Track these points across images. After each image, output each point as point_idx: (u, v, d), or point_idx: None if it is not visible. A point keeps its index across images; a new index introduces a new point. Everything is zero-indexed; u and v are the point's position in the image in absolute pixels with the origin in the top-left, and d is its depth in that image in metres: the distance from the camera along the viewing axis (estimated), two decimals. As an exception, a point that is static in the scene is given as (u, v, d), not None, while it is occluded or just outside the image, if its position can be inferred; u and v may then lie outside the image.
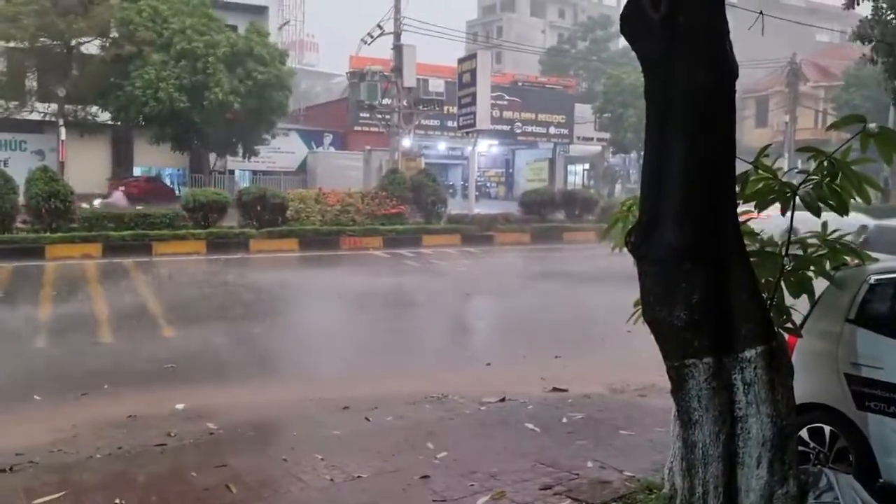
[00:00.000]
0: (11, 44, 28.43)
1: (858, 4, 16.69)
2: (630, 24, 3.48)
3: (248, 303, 13.03)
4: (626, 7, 3.46)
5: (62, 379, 8.19)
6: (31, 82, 31.13)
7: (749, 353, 3.50)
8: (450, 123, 38.32)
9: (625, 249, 3.77)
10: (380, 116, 31.29)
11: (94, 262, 17.40)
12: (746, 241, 3.78)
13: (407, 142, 30.49)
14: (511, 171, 52.93)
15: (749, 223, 4.02)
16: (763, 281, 3.89)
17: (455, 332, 11.77)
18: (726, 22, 3.44)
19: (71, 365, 8.87)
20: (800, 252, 4.12)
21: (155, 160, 37.48)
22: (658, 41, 3.37)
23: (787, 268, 4.04)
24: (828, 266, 4.21)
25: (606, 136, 45.70)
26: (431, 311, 13.48)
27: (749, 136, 46.70)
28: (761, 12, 4.93)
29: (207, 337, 10.43)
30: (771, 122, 50.15)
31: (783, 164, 34.01)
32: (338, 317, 12.52)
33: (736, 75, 3.45)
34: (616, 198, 36.96)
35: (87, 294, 13.46)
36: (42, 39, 28.42)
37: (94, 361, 9.00)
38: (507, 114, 44.95)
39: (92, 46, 29.76)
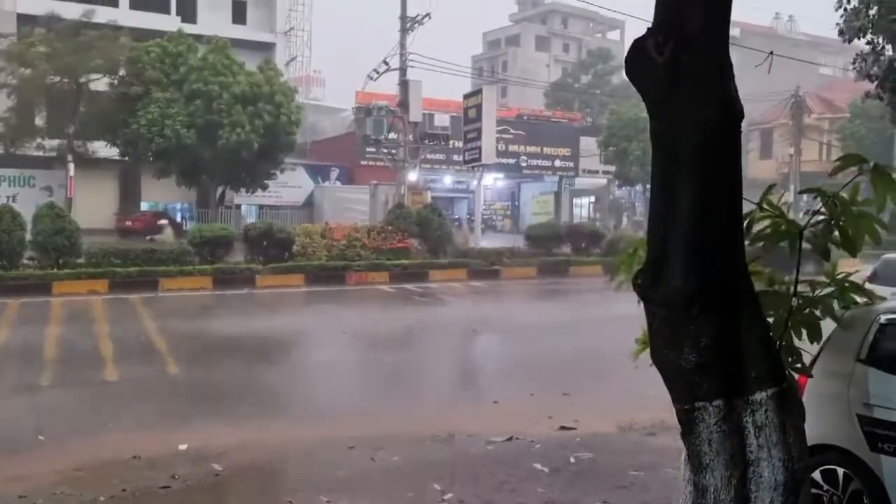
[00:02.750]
0: (23, 79, 28.81)
1: (859, 38, 16.80)
2: (634, 66, 3.48)
3: (254, 340, 12.99)
4: (630, 50, 3.47)
5: (66, 419, 8.15)
6: (41, 119, 31.49)
7: (760, 396, 3.45)
8: (455, 157, 38.52)
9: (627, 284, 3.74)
10: (386, 151, 31.49)
11: (101, 299, 17.40)
12: (754, 281, 3.74)
13: (413, 176, 30.62)
14: (517, 203, 53.08)
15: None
16: (772, 321, 3.85)
17: (462, 370, 11.69)
18: (730, 62, 3.45)
19: (76, 404, 8.84)
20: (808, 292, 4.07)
21: (162, 195, 37.74)
22: (662, 83, 3.37)
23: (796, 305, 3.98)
24: (836, 306, 4.15)
25: (612, 168, 45.81)
26: (438, 348, 13.41)
27: (754, 167, 46.88)
28: (771, 52, 4.94)
29: (212, 375, 10.40)
30: (775, 154, 50.33)
31: (788, 197, 34.05)
32: (343, 353, 12.45)
33: (741, 116, 3.45)
34: (622, 230, 36.99)
35: (92, 331, 13.44)
36: (52, 77, 28.80)
37: (99, 400, 8.97)
38: (513, 147, 45.20)
39: (100, 83, 30.13)
